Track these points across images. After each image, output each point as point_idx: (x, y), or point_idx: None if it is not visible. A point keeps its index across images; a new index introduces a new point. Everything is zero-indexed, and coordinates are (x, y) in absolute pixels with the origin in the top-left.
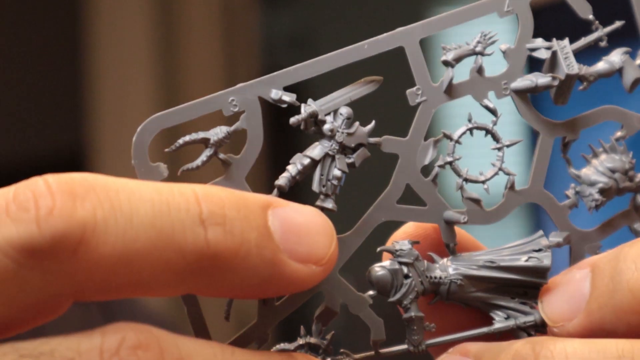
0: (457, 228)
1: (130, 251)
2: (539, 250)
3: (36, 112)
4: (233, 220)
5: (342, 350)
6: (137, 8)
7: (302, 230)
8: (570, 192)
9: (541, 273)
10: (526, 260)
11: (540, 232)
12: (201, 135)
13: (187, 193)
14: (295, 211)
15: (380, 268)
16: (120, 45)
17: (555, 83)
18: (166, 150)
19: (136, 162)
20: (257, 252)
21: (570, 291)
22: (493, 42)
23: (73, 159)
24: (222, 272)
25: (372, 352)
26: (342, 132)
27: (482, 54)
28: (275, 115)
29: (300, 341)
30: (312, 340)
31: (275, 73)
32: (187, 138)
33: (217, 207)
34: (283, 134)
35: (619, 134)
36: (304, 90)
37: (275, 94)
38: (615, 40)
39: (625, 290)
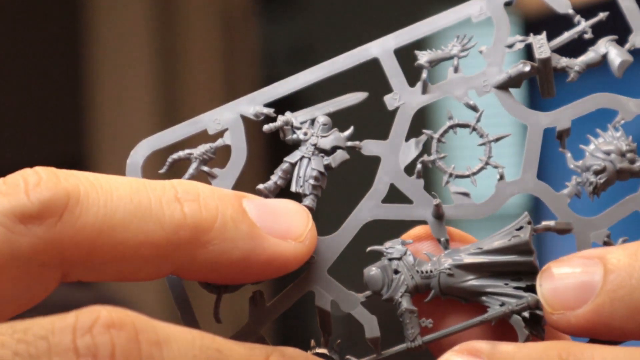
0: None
1: (111, 220)
2: (521, 228)
3: (36, 121)
4: (207, 198)
5: (347, 357)
6: (138, 19)
7: (277, 211)
8: (570, 183)
9: (523, 249)
10: (509, 240)
11: (525, 213)
12: (187, 152)
13: (162, 182)
14: (270, 200)
15: (372, 268)
16: (120, 56)
17: (527, 69)
18: (160, 171)
19: None
20: (234, 225)
21: (577, 280)
22: (471, 46)
23: (73, 168)
24: (201, 245)
25: (374, 355)
26: (317, 136)
27: (458, 56)
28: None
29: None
30: (321, 350)
31: (255, 92)
32: (174, 156)
33: (191, 189)
34: (283, 148)
35: (616, 119)
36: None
37: (254, 109)
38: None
39: None
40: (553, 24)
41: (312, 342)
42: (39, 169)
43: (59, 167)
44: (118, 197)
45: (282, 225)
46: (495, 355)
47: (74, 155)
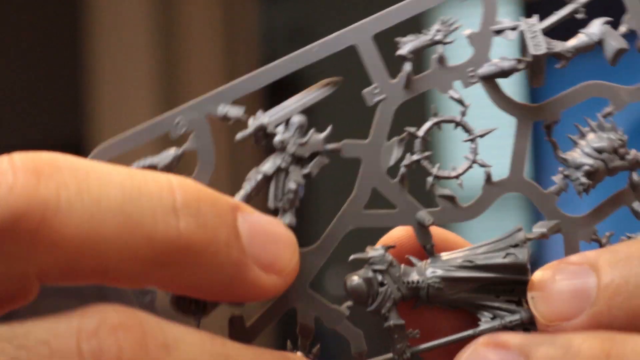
0: (438, 228)
1: (96, 235)
2: (516, 245)
3: (35, 106)
4: (207, 215)
5: None
6: (137, 2)
7: (268, 238)
8: (557, 177)
9: (519, 269)
10: (504, 258)
11: (519, 226)
12: (148, 161)
13: (161, 181)
14: (262, 219)
15: (354, 277)
16: (120, 39)
17: (521, 67)
18: None
19: None
20: (226, 250)
21: (570, 288)
22: (455, 29)
23: (73, 153)
24: (189, 266)
25: None
26: (294, 144)
27: (442, 42)
28: None
29: None
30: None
31: (220, 88)
32: (134, 165)
33: (192, 200)
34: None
35: (607, 110)
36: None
37: (222, 109)
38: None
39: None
40: (553, 3)
41: (289, 344)
42: (17, 164)
43: (58, 149)
44: (107, 206)
45: (269, 255)
46: (528, 348)
47: (73, 139)
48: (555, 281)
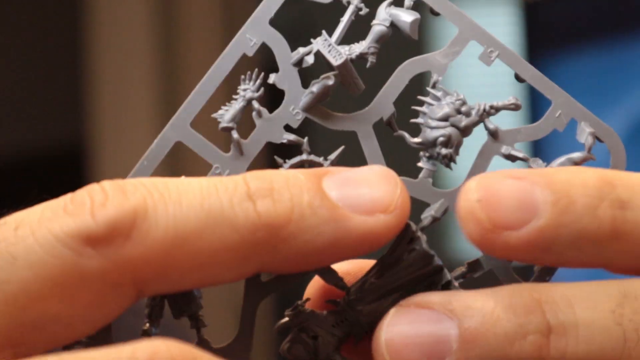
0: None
1: (183, 232)
2: (412, 240)
3: (35, 106)
4: (281, 190)
5: None
6: (137, 2)
7: (360, 184)
8: (422, 163)
9: (426, 259)
10: (406, 259)
11: (407, 223)
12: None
13: (235, 178)
14: (350, 171)
15: (287, 345)
16: (120, 39)
17: (331, 81)
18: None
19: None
20: (312, 212)
21: (517, 199)
22: (261, 81)
23: (74, 154)
24: (281, 241)
25: None
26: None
27: (254, 98)
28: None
29: None
30: None
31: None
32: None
33: (264, 183)
34: None
35: (433, 79)
36: None
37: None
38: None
39: (593, 217)
40: (554, 5)
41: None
42: (105, 185)
43: (59, 152)
44: (188, 205)
45: (366, 199)
46: (452, 304)
47: (74, 139)
48: (504, 188)
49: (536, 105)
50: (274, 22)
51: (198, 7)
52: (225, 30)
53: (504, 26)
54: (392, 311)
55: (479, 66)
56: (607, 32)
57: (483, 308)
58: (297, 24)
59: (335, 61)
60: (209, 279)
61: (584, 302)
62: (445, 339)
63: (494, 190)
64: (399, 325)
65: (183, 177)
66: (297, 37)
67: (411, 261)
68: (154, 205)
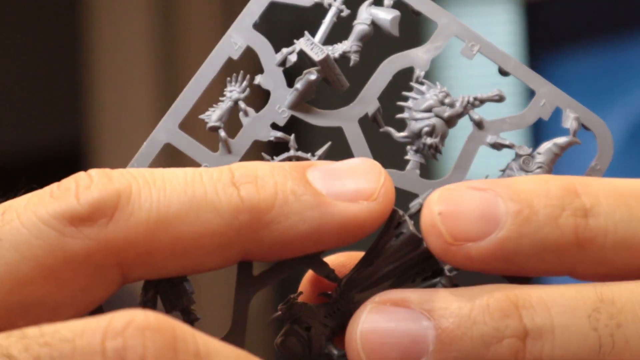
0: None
1: (165, 216)
2: (399, 224)
3: (35, 105)
4: (265, 177)
5: None
6: (136, 2)
7: (343, 172)
8: (409, 155)
9: (414, 243)
10: (394, 242)
11: (394, 208)
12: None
13: (220, 167)
14: (335, 163)
15: (281, 339)
16: (119, 39)
17: (313, 77)
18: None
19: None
20: (295, 198)
21: (478, 211)
22: (247, 83)
23: (73, 153)
24: (264, 226)
25: None
26: None
27: (240, 99)
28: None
29: None
30: None
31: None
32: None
33: (249, 171)
34: None
35: (415, 74)
36: None
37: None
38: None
39: (554, 227)
40: (554, 5)
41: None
42: (92, 171)
43: (59, 150)
44: (171, 190)
45: (350, 187)
46: (430, 303)
47: (74, 136)
48: (465, 200)
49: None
50: (269, 26)
51: (198, 7)
52: (225, 30)
53: (504, 26)
54: (368, 307)
55: (479, 66)
56: (607, 32)
57: (460, 309)
58: (293, 27)
59: (317, 57)
60: (192, 265)
61: (561, 306)
62: (422, 339)
63: (456, 203)
64: (375, 323)
65: (168, 168)
66: (292, 41)
67: (399, 245)
68: (138, 189)
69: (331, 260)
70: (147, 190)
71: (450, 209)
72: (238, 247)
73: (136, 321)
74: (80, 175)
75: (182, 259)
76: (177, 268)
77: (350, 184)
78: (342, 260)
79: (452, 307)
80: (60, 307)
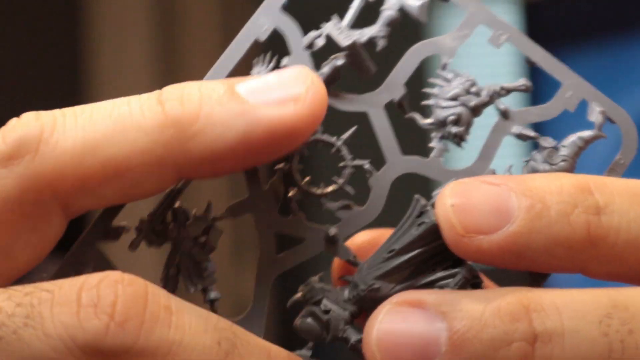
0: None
1: (92, 140)
2: (421, 214)
3: (35, 103)
4: (191, 92)
5: None
6: None
7: (271, 80)
8: (434, 143)
9: (436, 232)
10: (416, 230)
11: (416, 197)
12: None
13: (151, 93)
14: (262, 76)
15: (300, 320)
16: (119, 32)
17: (340, 62)
18: None
19: None
20: (221, 107)
21: (492, 203)
22: (273, 69)
23: None
24: (191, 137)
25: None
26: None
27: None
28: None
29: None
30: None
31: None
32: None
33: (176, 90)
34: None
35: (442, 61)
36: None
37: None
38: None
39: (566, 223)
40: (554, 5)
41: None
42: (22, 115)
43: None
44: (97, 115)
45: (277, 93)
46: (445, 305)
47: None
48: (478, 194)
49: (538, 89)
50: (297, 9)
51: (198, 6)
52: (225, 29)
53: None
54: (386, 307)
55: (482, 56)
56: (607, 32)
57: (473, 312)
58: (321, 11)
59: (345, 42)
60: (130, 189)
61: (572, 311)
62: (435, 341)
63: (469, 195)
64: (391, 324)
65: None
66: (319, 25)
67: (421, 234)
68: (63, 119)
69: (356, 238)
70: (73, 119)
71: (462, 201)
72: (170, 164)
73: (110, 277)
74: (12, 120)
75: (117, 183)
76: (116, 193)
77: (277, 91)
78: (369, 238)
79: (465, 308)
80: (12, 253)
